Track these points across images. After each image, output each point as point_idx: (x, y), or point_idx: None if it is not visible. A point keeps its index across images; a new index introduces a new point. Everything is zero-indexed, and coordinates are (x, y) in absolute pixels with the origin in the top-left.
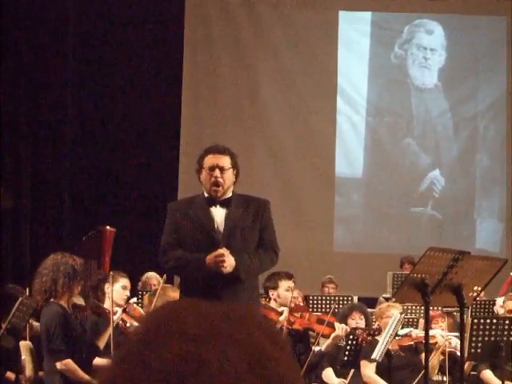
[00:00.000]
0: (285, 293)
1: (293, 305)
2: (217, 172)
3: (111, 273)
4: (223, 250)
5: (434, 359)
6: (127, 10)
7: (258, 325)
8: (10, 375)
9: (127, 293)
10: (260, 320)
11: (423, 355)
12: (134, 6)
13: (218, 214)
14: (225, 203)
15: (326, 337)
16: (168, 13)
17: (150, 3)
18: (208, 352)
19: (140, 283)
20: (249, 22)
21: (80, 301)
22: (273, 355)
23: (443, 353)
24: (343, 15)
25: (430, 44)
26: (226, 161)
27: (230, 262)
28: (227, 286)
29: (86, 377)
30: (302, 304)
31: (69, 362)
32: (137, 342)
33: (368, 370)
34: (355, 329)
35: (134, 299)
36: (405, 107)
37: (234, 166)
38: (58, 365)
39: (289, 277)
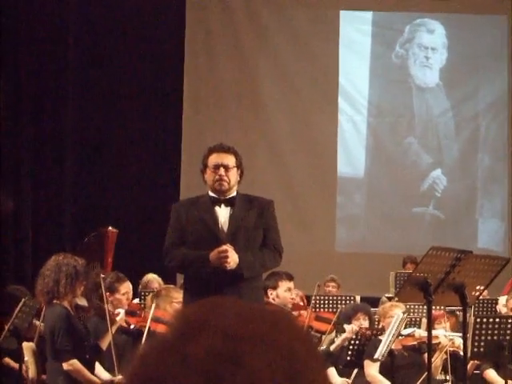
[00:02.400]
0: (284, 293)
1: (291, 305)
2: (221, 171)
3: (102, 276)
4: (227, 246)
5: (438, 359)
6: (128, 13)
7: (297, 334)
8: (14, 365)
9: (129, 296)
10: (299, 329)
11: (426, 355)
12: (135, 8)
13: (223, 213)
14: (229, 203)
15: (323, 333)
16: (169, 15)
17: (150, 6)
18: (248, 353)
19: (140, 286)
20: (249, 23)
21: (83, 302)
22: (311, 366)
23: (446, 352)
24: (344, 15)
25: (431, 43)
26: (230, 160)
27: (233, 258)
28: (230, 284)
29: (92, 377)
30: (301, 304)
31: (75, 362)
32: (176, 335)
33: (371, 369)
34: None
35: (137, 300)
36: (406, 107)
37: (239, 165)
38: (65, 365)
39: (289, 278)
